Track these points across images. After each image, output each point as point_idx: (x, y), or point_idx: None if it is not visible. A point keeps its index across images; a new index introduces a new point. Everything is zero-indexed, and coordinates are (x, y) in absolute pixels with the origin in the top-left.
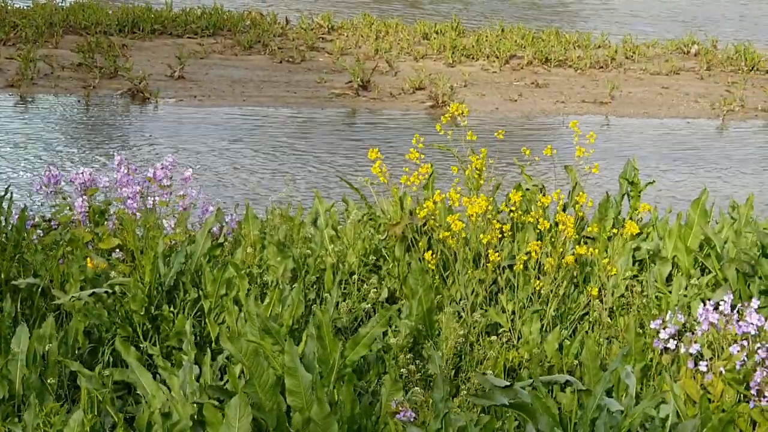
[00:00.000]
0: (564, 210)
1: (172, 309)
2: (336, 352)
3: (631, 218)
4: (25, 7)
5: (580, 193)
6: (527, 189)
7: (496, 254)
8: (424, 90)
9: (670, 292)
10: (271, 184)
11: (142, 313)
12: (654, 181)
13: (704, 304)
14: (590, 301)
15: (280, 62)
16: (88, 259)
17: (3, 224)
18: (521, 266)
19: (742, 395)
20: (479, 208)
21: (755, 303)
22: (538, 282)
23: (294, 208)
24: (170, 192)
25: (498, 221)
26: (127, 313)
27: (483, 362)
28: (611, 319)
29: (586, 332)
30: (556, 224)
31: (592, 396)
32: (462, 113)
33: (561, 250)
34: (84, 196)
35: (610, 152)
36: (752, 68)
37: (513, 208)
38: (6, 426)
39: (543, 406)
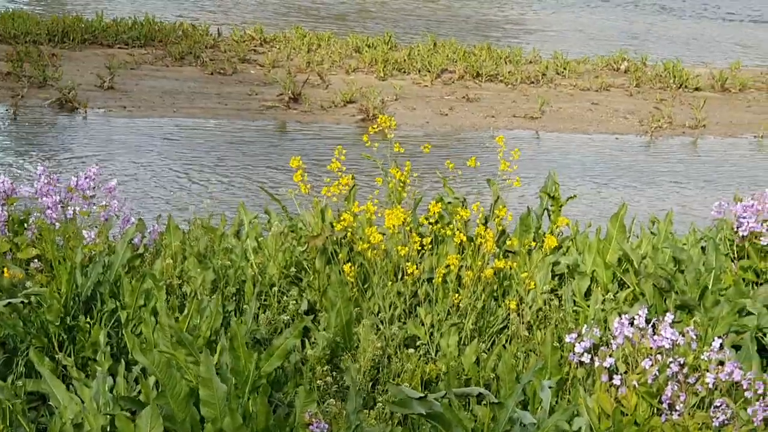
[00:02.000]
0: (486, 223)
1: (89, 320)
2: (251, 364)
3: (551, 232)
4: None
5: (501, 207)
6: (449, 202)
7: (413, 267)
8: (355, 103)
9: (588, 307)
10: (198, 195)
11: (57, 324)
12: (575, 196)
13: (620, 318)
14: (509, 314)
15: (212, 74)
16: (5, 268)
17: None
18: (440, 279)
19: (655, 409)
20: (396, 219)
21: (669, 317)
22: (456, 295)
23: (217, 219)
24: (92, 202)
25: (419, 234)
26: (42, 323)
27: (400, 375)
28: (529, 332)
29: (504, 346)
30: (471, 239)
31: (505, 408)
32: (390, 126)
33: (480, 263)
34: (4, 205)
35: (538, 167)
36: (680, 86)
37: (432, 221)
38: None
39: (456, 418)
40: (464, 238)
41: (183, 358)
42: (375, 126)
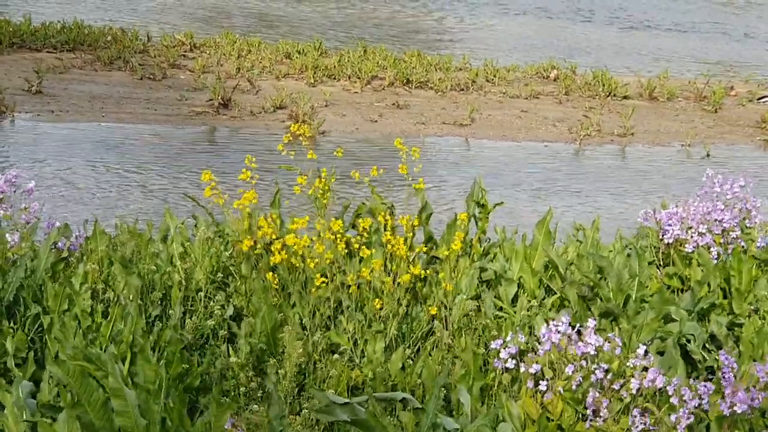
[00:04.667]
0: (413, 230)
1: (11, 325)
2: (162, 371)
3: (479, 240)
4: None
5: (428, 214)
6: (368, 210)
7: (322, 278)
8: (285, 109)
9: (515, 313)
10: (125, 200)
11: None
12: (503, 202)
13: (547, 325)
14: (433, 320)
15: (141, 79)
16: None
17: None
18: (355, 288)
19: (580, 414)
20: (306, 240)
21: (592, 323)
22: (377, 301)
23: (144, 224)
24: (11, 206)
25: (340, 241)
26: None
27: (326, 380)
28: (454, 338)
29: (430, 352)
30: (384, 244)
31: (426, 414)
32: (305, 133)
33: (396, 270)
34: None
35: (467, 174)
36: (609, 94)
37: (360, 229)
38: None
39: (381, 424)
40: (369, 252)
41: (93, 370)
42: (288, 135)
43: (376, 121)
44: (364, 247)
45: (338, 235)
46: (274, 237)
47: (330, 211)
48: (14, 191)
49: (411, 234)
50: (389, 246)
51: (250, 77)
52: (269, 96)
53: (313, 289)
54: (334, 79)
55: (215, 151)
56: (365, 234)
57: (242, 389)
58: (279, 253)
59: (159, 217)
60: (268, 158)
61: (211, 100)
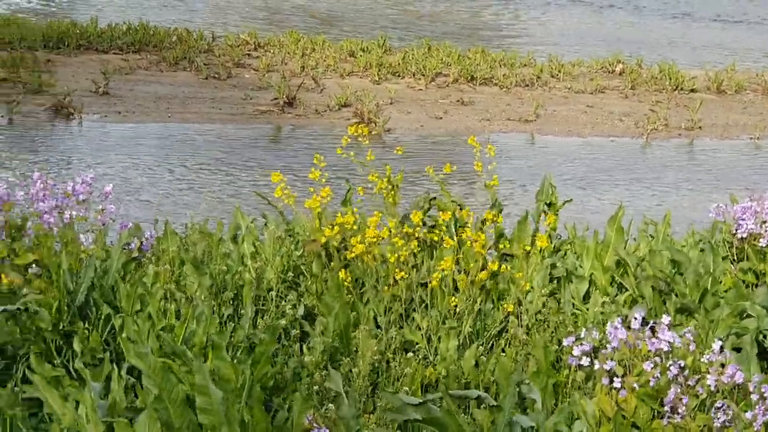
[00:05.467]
0: (483, 227)
1: (86, 326)
2: (240, 371)
3: (549, 236)
4: None
5: (497, 211)
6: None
7: (402, 273)
8: (349, 107)
9: (587, 310)
10: (194, 200)
11: (50, 330)
12: (571, 199)
13: (617, 321)
14: (507, 317)
15: (206, 79)
16: (3, 274)
17: None
18: (436, 283)
19: (656, 411)
20: (385, 233)
21: (666, 319)
22: (452, 299)
23: (214, 224)
24: (88, 207)
25: (407, 238)
26: (38, 329)
27: (400, 379)
28: (528, 335)
29: (503, 349)
30: (461, 241)
31: (503, 411)
32: (363, 134)
33: (473, 266)
34: (0, 211)
35: (533, 170)
36: (676, 88)
37: (429, 225)
38: None
39: (455, 422)
40: (453, 243)
41: (177, 366)
42: (347, 137)
43: (440, 118)
44: (448, 238)
45: (416, 229)
46: (348, 234)
47: (397, 209)
48: (90, 193)
49: (482, 231)
50: (468, 243)
51: (315, 76)
52: (334, 94)
53: (386, 287)
54: (399, 76)
55: (281, 150)
56: (438, 231)
57: (316, 388)
58: (359, 245)
59: (228, 217)
60: (334, 156)
61: (276, 98)
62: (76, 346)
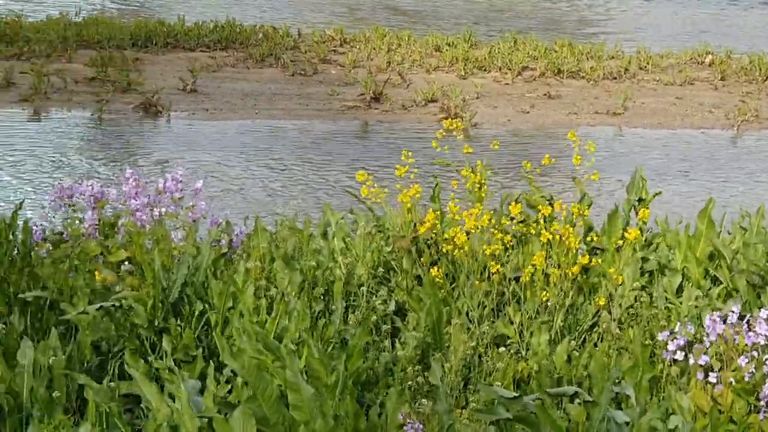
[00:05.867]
0: (572, 221)
1: (179, 322)
2: (341, 365)
3: (640, 230)
4: (38, 22)
5: (585, 205)
6: (526, 201)
7: (498, 265)
8: (436, 102)
9: (681, 303)
10: (282, 196)
11: (145, 327)
12: (661, 192)
13: (712, 315)
14: (599, 311)
15: (293, 75)
16: (97, 272)
17: (12, 238)
18: (527, 278)
19: (752, 406)
20: (484, 222)
21: (764, 313)
22: (544, 293)
23: (303, 220)
24: (179, 204)
25: (504, 233)
26: (133, 326)
27: (492, 374)
28: (620, 330)
29: (595, 344)
30: (553, 236)
31: (599, 407)
32: (456, 128)
33: (565, 260)
34: (94, 209)
35: (622, 163)
36: (766, 78)
37: (517, 220)
38: None
39: (549, 419)
40: (549, 237)
41: (270, 362)
42: (442, 131)
43: (527, 112)
44: (544, 231)
45: (513, 221)
46: (440, 229)
47: (485, 204)
48: (181, 190)
49: (572, 225)
50: (557, 237)
51: (401, 71)
52: (420, 89)
53: (477, 282)
54: (485, 70)
55: (369, 146)
56: (531, 225)
57: (409, 384)
58: (456, 237)
59: (316, 213)
60: (422, 152)
61: (362, 94)
62: (170, 342)
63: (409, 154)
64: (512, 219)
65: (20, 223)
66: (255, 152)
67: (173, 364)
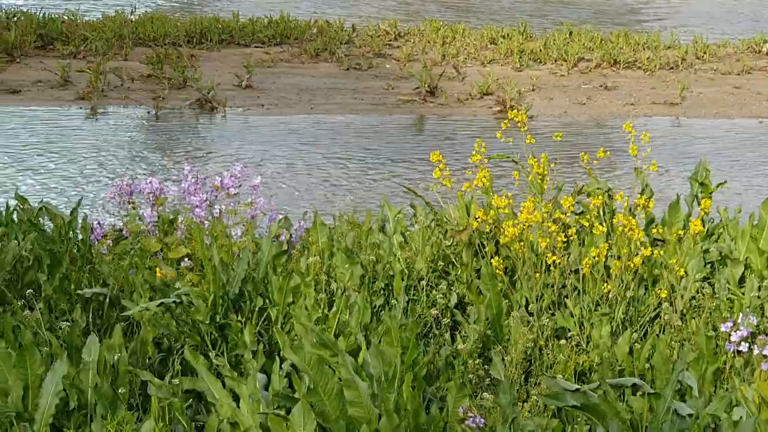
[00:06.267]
0: (632, 212)
1: (239, 318)
2: (397, 359)
3: (702, 220)
4: (94, 21)
5: (647, 196)
6: (586, 193)
7: (556, 257)
8: (491, 95)
9: (743, 294)
10: (339, 191)
11: (207, 323)
12: (725, 182)
13: None
14: (660, 303)
15: (347, 69)
16: (157, 268)
17: (73, 236)
18: (588, 270)
19: None
20: (537, 217)
21: None
22: (605, 285)
23: (361, 214)
24: (238, 200)
25: (564, 225)
26: (194, 322)
27: (553, 366)
28: (682, 321)
29: (657, 335)
30: (613, 227)
31: (662, 399)
32: (522, 120)
33: (627, 252)
34: (153, 206)
35: (680, 153)
36: None
37: (577, 212)
38: None
39: (613, 410)
40: (604, 229)
41: (329, 357)
42: (507, 121)
43: (584, 104)
44: (598, 224)
45: (572, 213)
46: (497, 223)
47: (545, 195)
48: (239, 186)
49: (633, 216)
50: (620, 228)
51: (456, 64)
52: (475, 82)
53: (538, 275)
54: (540, 62)
55: (425, 140)
56: (589, 217)
57: (470, 377)
58: (511, 228)
59: (374, 207)
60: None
61: (417, 88)
62: (243, 336)
63: (483, 143)
64: (571, 211)
65: (79, 220)
66: (312, 147)
67: (234, 359)
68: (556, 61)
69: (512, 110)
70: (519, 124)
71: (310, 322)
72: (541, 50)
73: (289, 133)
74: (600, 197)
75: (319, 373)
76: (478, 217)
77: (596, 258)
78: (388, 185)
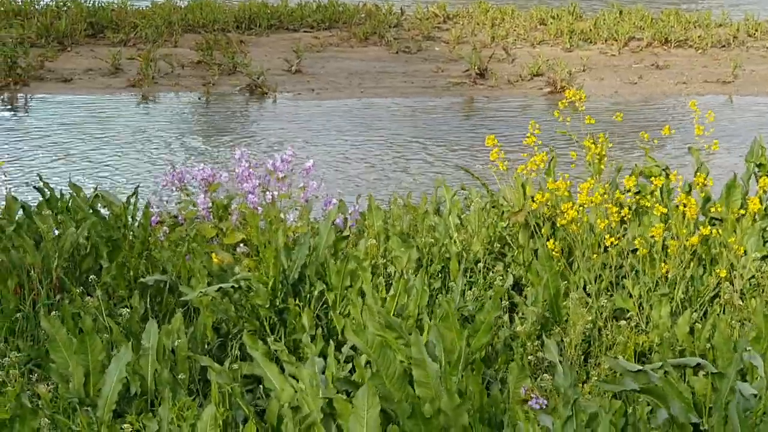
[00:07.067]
0: (689, 191)
1: (297, 302)
2: (461, 341)
3: (759, 198)
4: (144, 8)
5: (703, 174)
6: (644, 173)
7: (613, 239)
8: (541, 76)
9: None
10: (392, 174)
11: (267, 307)
12: None
13: None
14: (719, 282)
15: (397, 53)
16: (214, 254)
17: (130, 222)
18: (645, 250)
19: None
20: (597, 198)
21: None
22: (663, 265)
23: (415, 197)
24: (290, 184)
25: (620, 205)
26: (253, 307)
27: (612, 347)
28: (742, 301)
29: (718, 315)
30: (675, 207)
31: (726, 379)
32: (580, 99)
33: (685, 232)
34: (206, 192)
35: (734, 132)
36: None
37: (633, 192)
38: (141, 421)
39: (675, 391)
40: (664, 210)
41: (393, 339)
42: (564, 101)
43: (635, 83)
44: (658, 205)
45: (614, 200)
46: (553, 204)
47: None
48: (291, 170)
49: (687, 194)
50: (680, 208)
51: (506, 46)
52: (525, 63)
53: (594, 255)
54: (591, 42)
55: (477, 121)
56: (648, 198)
57: (530, 358)
58: (572, 211)
59: (428, 190)
60: (528, 126)
61: (467, 70)
62: (302, 320)
63: (536, 125)
64: (633, 191)
65: (132, 207)
66: (363, 131)
67: (292, 344)
68: (606, 40)
69: (564, 90)
70: (578, 103)
71: (371, 304)
72: (591, 30)
73: (339, 117)
74: (660, 177)
75: (382, 356)
76: (536, 199)
77: (655, 238)
78: (441, 167)
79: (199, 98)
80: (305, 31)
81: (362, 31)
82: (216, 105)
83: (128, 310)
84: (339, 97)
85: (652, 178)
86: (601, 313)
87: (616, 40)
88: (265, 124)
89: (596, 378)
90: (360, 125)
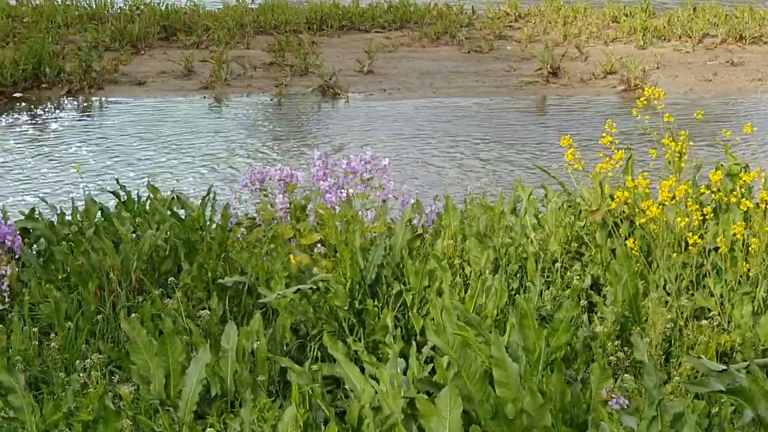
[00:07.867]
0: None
1: (376, 303)
2: (541, 341)
3: None
4: (216, 10)
5: None
6: (723, 170)
7: (695, 237)
8: (615, 74)
9: None
10: (466, 174)
11: (345, 308)
12: None
13: None
14: None
15: (468, 52)
16: (292, 255)
17: (208, 223)
18: (726, 248)
19: None
20: (680, 192)
21: None
22: (746, 264)
23: (491, 197)
24: (368, 184)
25: (700, 203)
26: (331, 308)
27: (693, 347)
28: None
29: None
30: (757, 205)
31: None
32: (659, 97)
33: (766, 229)
34: (284, 193)
35: None
36: None
37: (714, 189)
38: (222, 421)
39: (762, 391)
40: (751, 205)
41: (473, 337)
42: (642, 97)
43: (710, 81)
44: (744, 200)
45: (695, 197)
46: (631, 203)
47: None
48: (369, 170)
49: None
50: (762, 205)
51: (578, 44)
52: (598, 62)
53: (675, 254)
54: (664, 39)
55: (550, 120)
56: (731, 195)
57: (610, 359)
58: (654, 208)
59: (504, 189)
60: (602, 125)
61: (539, 69)
62: (381, 321)
63: (613, 124)
64: (715, 189)
65: (211, 209)
66: (436, 131)
67: (371, 345)
68: (680, 37)
69: (636, 89)
70: (656, 102)
71: (449, 304)
72: (664, 27)
73: (412, 117)
74: (744, 175)
75: (463, 356)
76: (616, 197)
77: (736, 236)
78: (515, 167)
79: (272, 99)
80: (376, 32)
81: (433, 31)
82: (288, 106)
83: (207, 311)
84: (411, 97)
85: (736, 174)
86: (682, 313)
87: (690, 37)
88: (339, 125)
89: (678, 378)
90: (433, 125)
